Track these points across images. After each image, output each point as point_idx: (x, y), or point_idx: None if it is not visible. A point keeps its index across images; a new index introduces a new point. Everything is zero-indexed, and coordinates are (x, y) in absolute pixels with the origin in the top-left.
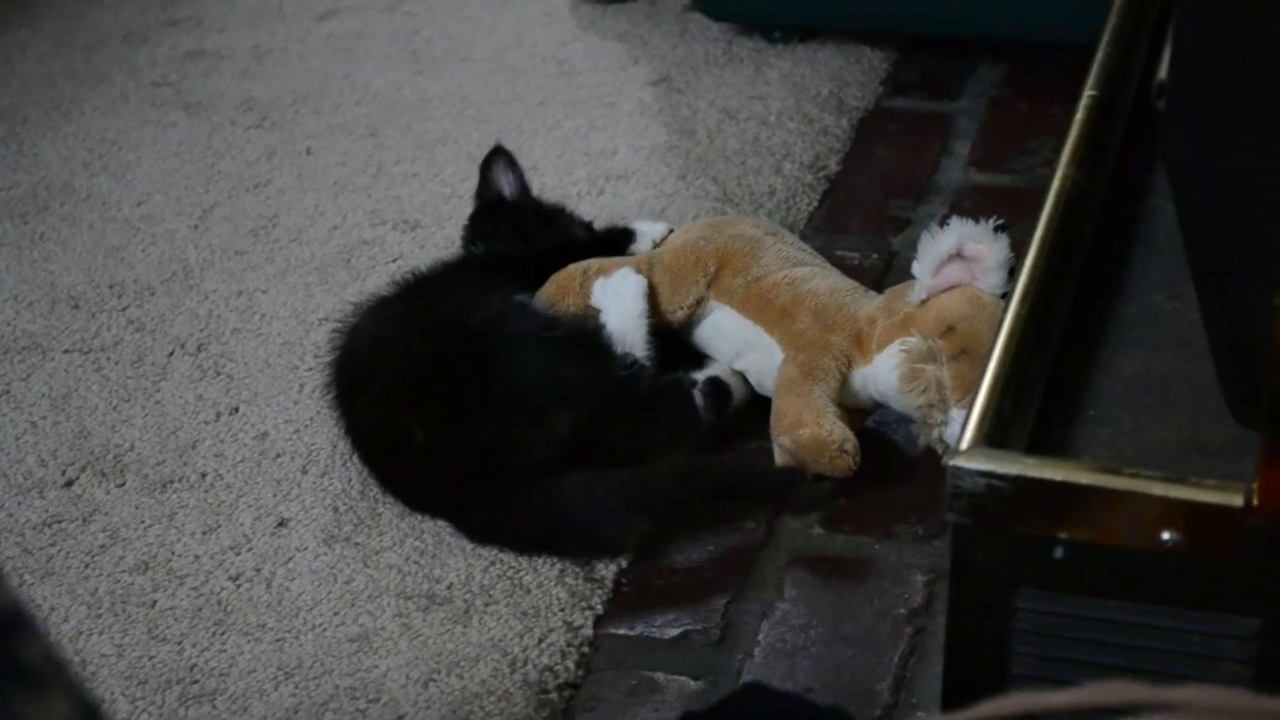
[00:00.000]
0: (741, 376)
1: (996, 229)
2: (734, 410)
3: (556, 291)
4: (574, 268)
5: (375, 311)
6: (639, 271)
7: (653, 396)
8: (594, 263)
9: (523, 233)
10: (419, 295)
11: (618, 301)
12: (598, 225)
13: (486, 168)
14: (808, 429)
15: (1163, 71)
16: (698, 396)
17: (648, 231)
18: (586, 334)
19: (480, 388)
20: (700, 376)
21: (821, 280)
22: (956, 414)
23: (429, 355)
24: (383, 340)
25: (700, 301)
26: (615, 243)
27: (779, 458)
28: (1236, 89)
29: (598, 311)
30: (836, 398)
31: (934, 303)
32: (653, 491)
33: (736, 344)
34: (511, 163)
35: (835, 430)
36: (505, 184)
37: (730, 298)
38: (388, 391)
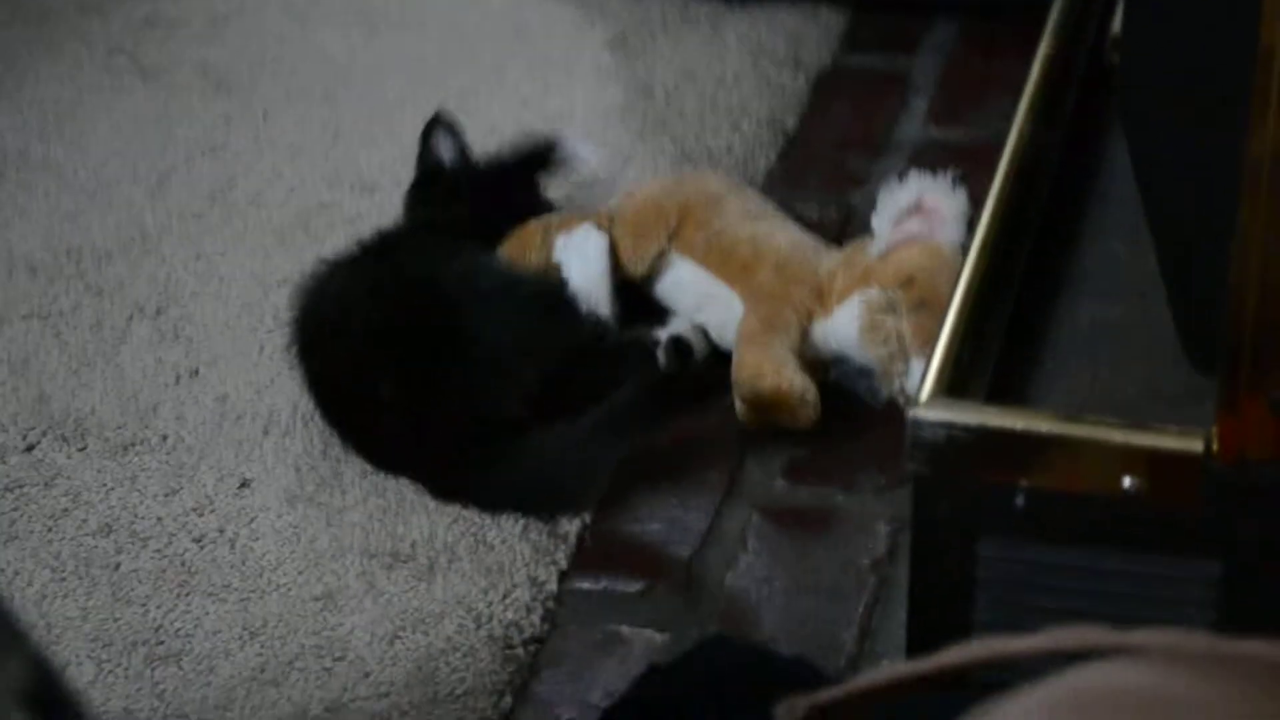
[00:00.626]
0: (703, 333)
1: (954, 182)
2: (696, 366)
3: (517, 248)
4: (534, 224)
5: (339, 270)
6: (600, 227)
7: (615, 356)
8: (554, 218)
9: (459, 202)
10: (384, 254)
11: (580, 259)
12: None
13: (426, 136)
14: (768, 379)
15: (1116, 26)
16: (660, 355)
17: (585, 152)
18: (551, 291)
19: (448, 344)
20: (663, 335)
21: (783, 235)
22: (917, 365)
23: (396, 311)
24: (348, 297)
25: (662, 255)
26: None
27: (739, 409)
28: (1190, 42)
29: (559, 268)
30: (797, 349)
31: (893, 255)
32: (614, 431)
33: (698, 297)
34: (452, 130)
35: (796, 380)
36: (445, 152)
37: (692, 251)
38: (353, 347)
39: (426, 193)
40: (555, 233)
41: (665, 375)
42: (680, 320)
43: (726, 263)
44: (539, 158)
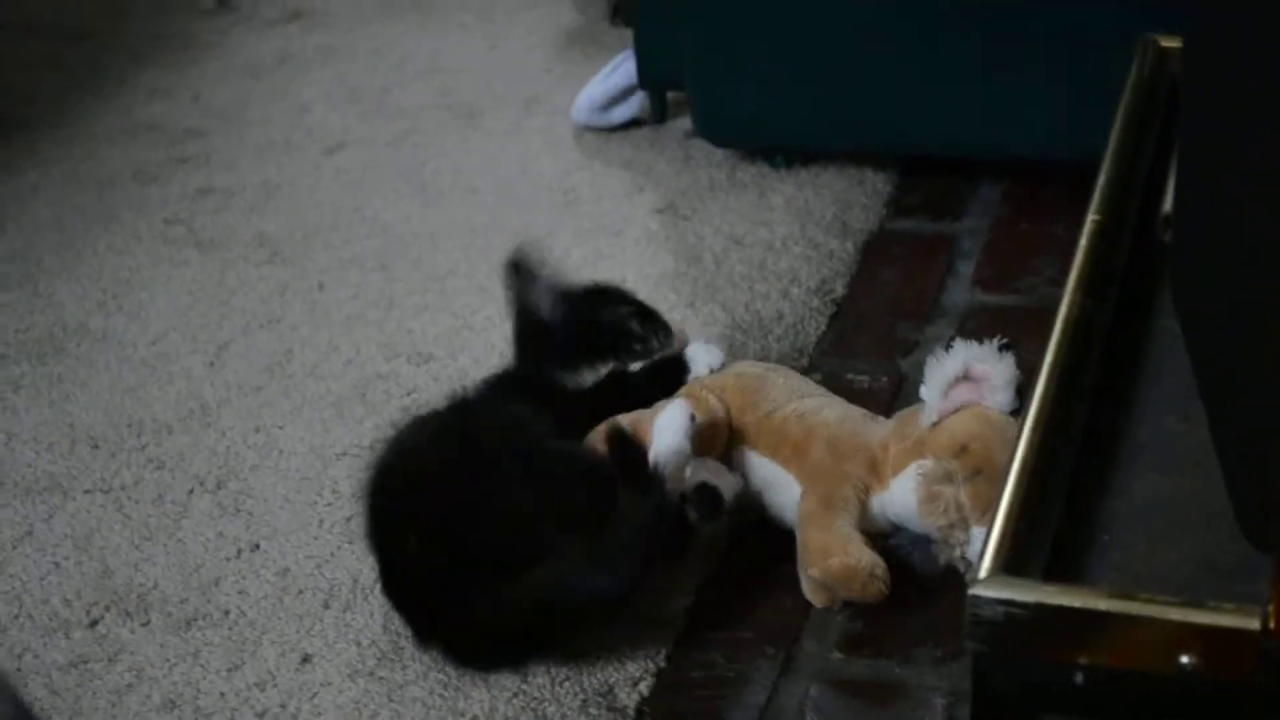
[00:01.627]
0: (729, 471)
1: (1001, 349)
2: (733, 508)
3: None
4: (602, 428)
5: (413, 427)
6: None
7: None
8: (625, 419)
9: (569, 357)
10: (457, 414)
11: (665, 431)
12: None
13: (518, 281)
14: (837, 558)
15: (1168, 204)
16: (690, 510)
17: (702, 357)
18: (591, 463)
19: (478, 502)
20: (687, 486)
21: (830, 410)
22: (977, 532)
23: (433, 466)
24: (398, 455)
25: (729, 440)
26: (667, 374)
27: (808, 589)
28: (1242, 221)
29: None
30: (858, 525)
31: (945, 424)
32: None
33: (755, 482)
34: (532, 274)
35: (865, 557)
36: (538, 300)
37: (743, 436)
38: (395, 499)
39: (530, 345)
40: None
41: (654, 518)
42: (702, 467)
43: (779, 445)
44: (665, 374)
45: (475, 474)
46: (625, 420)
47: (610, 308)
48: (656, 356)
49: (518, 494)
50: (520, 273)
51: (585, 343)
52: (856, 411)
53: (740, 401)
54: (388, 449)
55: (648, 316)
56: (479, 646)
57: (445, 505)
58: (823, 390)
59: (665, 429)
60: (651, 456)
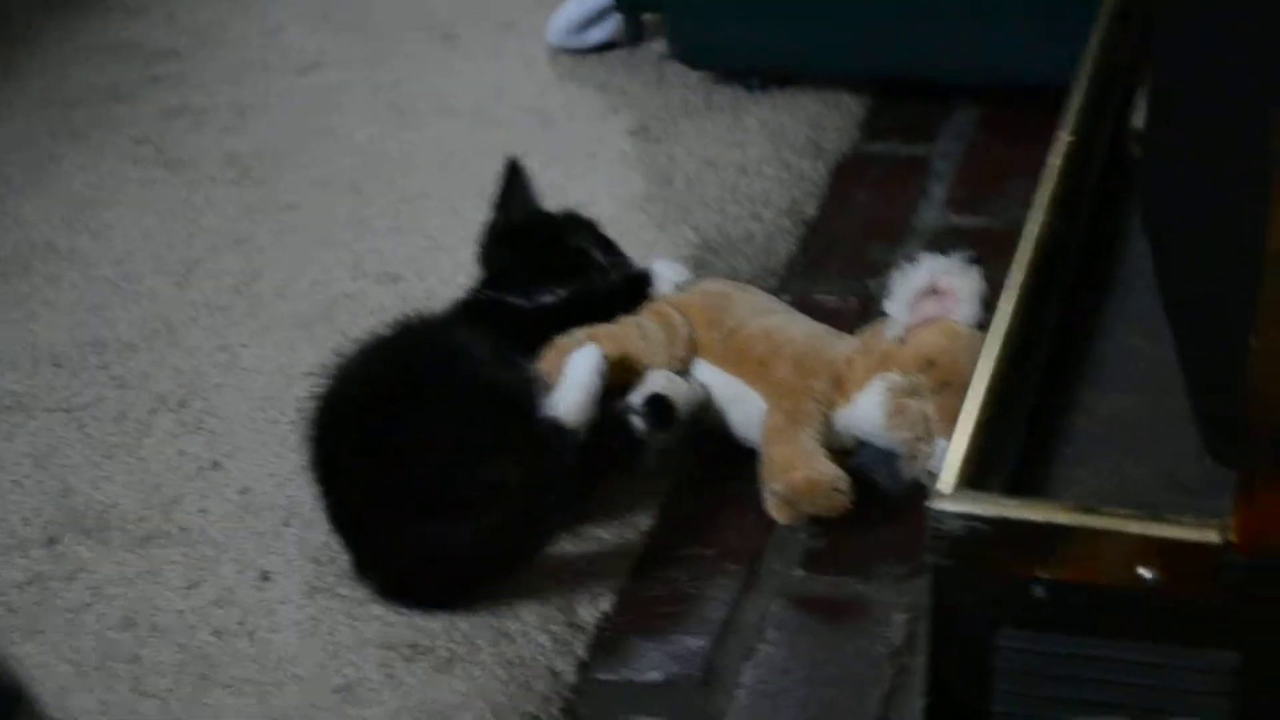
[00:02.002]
0: (689, 382)
1: (967, 262)
2: (689, 418)
3: (550, 363)
4: (564, 340)
5: (360, 353)
6: (628, 329)
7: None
8: (581, 334)
9: (540, 260)
10: (399, 341)
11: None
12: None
13: (508, 181)
14: (800, 472)
15: (1139, 119)
16: (635, 420)
17: (666, 273)
18: (520, 392)
19: (414, 433)
20: (637, 398)
21: (795, 326)
22: (943, 445)
23: (375, 398)
24: (351, 381)
25: (691, 355)
26: (633, 288)
27: (771, 505)
28: (1211, 136)
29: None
30: (822, 441)
31: (911, 339)
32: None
33: (720, 398)
34: (525, 181)
35: (828, 470)
36: (521, 202)
37: (708, 352)
38: (336, 429)
39: (499, 240)
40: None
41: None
42: (658, 379)
43: (744, 361)
44: (630, 289)
45: (412, 404)
46: (582, 334)
47: (579, 234)
48: (619, 277)
49: (453, 425)
50: (513, 176)
51: (546, 262)
52: (821, 328)
53: (705, 318)
54: (331, 376)
55: (612, 250)
56: (405, 590)
57: (382, 437)
58: (787, 307)
59: (571, 374)
60: (553, 398)
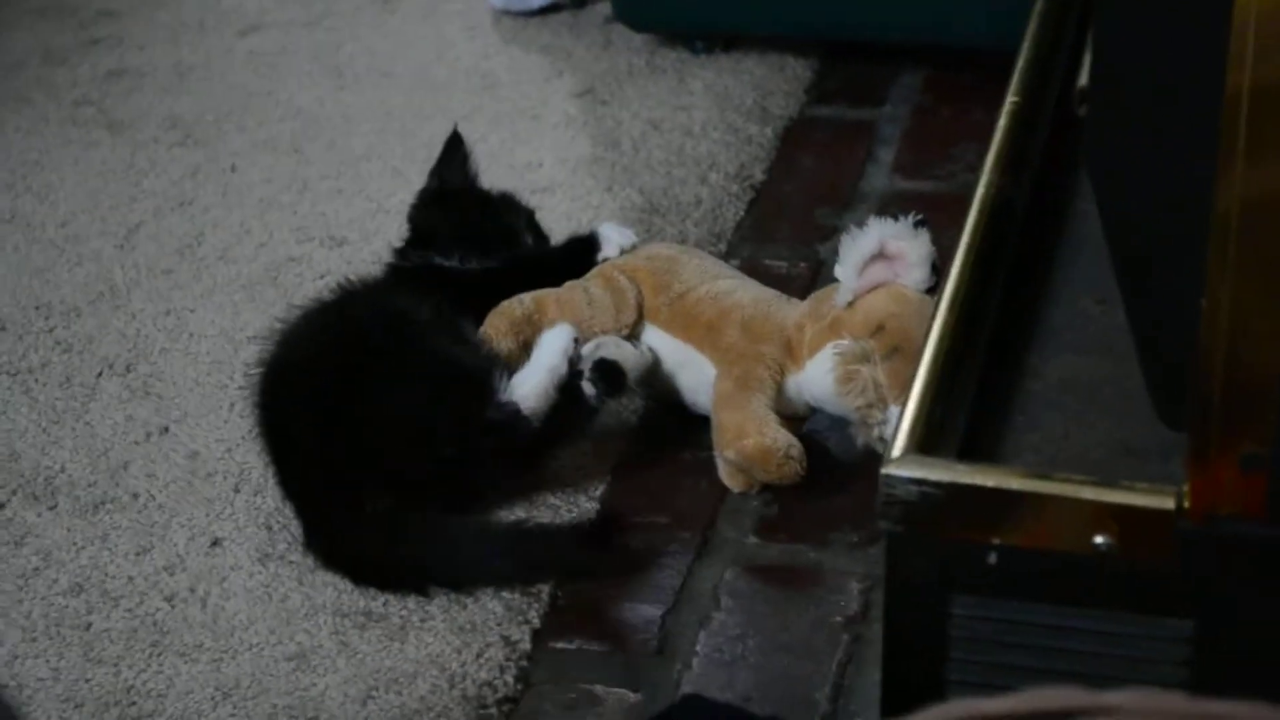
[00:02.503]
0: (635, 345)
1: (916, 225)
2: (637, 383)
3: (496, 329)
4: (511, 302)
5: (305, 319)
6: (574, 294)
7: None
8: (528, 296)
9: (473, 231)
10: (340, 307)
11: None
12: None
13: (447, 151)
14: (752, 439)
15: (1084, 78)
16: (586, 386)
17: (614, 237)
18: (479, 371)
19: (367, 403)
20: (587, 364)
21: (744, 291)
22: (895, 411)
23: (329, 365)
24: (298, 347)
25: (639, 320)
26: (579, 253)
27: (724, 473)
28: (1156, 94)
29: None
30: (774, 407)
31: (861, 304)
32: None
33: (668, 363)
34: (466, 153)
35: (780, 437)
36: (459, 170)
37: (655, 316)
38: (281, 399)
39: (436, 213)
40: (531, 311)
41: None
42: (606, 342)
43: (691, 326)
44: (577, 253)
45: (365, 376)
46: (528, 298)
47: (511, 214)
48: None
49: (410, 404)
50: (454, 146)
51: (475, 231)
52: (770, 293)
53: (652, 282)
54: (276, 343)
55: (540, 237)
56: (356, 567)
57: (335, 409)
58: (736, 272)
59: (540, 355)
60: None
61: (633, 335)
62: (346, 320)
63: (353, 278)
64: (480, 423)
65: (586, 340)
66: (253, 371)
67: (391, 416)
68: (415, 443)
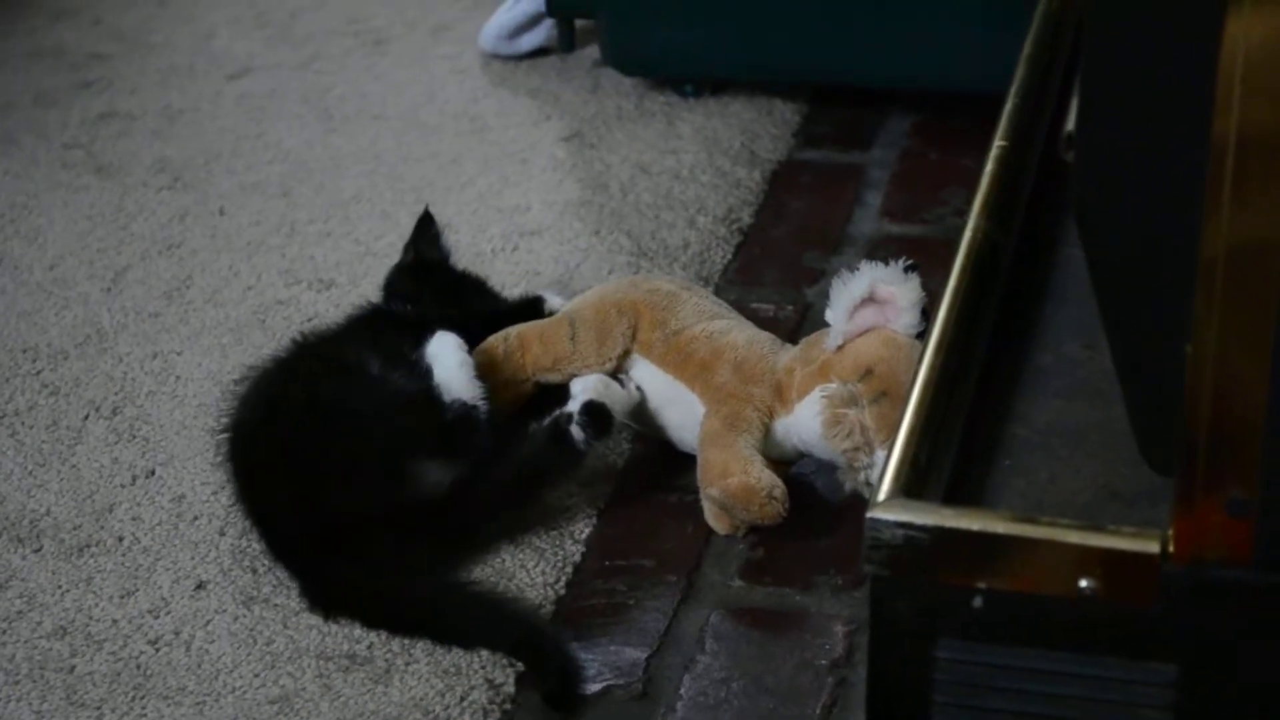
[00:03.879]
0: (619, 383)
1: (907, 270)
2: (622, 418)
3: (486, 364)
4: (495, 339)
5: (263, 376)
6: (558, 329)
7: (529, 440)
8: (513, 332)
9: (446, 298)
10: (294, 361)
11: (440, 358)
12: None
13: (420, 228)
14: (735, 478)
15: (1071, 123)
16: (575, 430)
17: (556, 303)
18: (413, 387)
19: (324, 448)
20: (574, 406)
21: (739, 333)
22: (881, 456)
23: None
24: (257, 405)
25: (626, 354)
26: (526, 313)
27: (709, 515)
28: (1143, 139)
29: (529, 379)
30: (761, 448)
31: (850, 347)
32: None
33: (657, 399)
34: (437, 231)
35: (764, 477)
36: (431, 247)
37: (649, 351)
38: (257, 454)
39: (411, 283)
40: (514, 344)
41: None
42: (589, 384)
43: (685, 363)
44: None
45: (322, 426)
46: (512, 334)
47: (479, 300)
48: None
49: (367, 437)
50: (426, 226)
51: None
52: (765, 336)
53: (650, 317)
54: (237, 407)
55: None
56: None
57: (302, 456)
58: (733, 312)
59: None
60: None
61: (619, 369)
62: (299, 374)
63: (305, 331)
64: (440, 427)
65: (566, 376)
66: (219, 435)
67: (356, 455)
68: (386, 471)
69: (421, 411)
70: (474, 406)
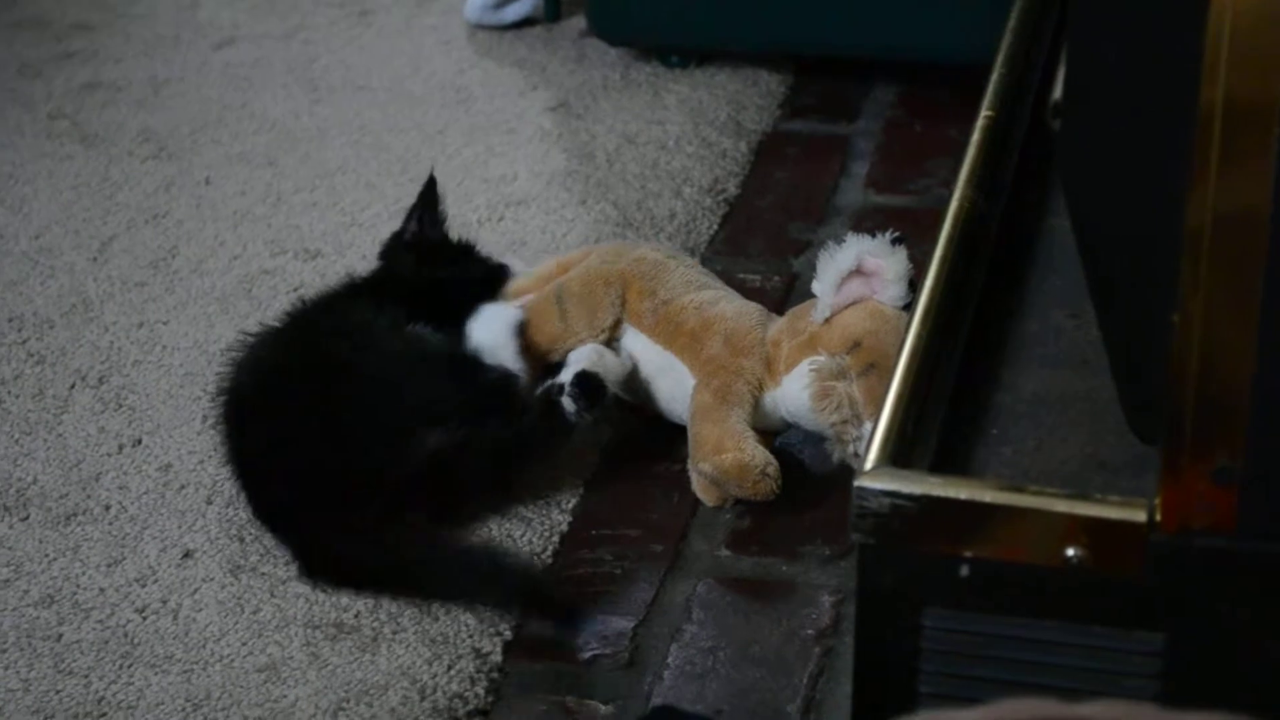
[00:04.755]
0: (614, 353)
1: (894, 242)
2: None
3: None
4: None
5: (263, 342)
6: (547, 311)
7: (520, 413)
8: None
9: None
10: (304, 325)
11: (486, 327)
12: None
13: (423, 199)
14: (729, 454)
15: (1057, 91)
16: (566, 401)
17: (519, 266)
18: (452, 351)
19: (347, 410)
20: (566, 376)
21: (727, 304)
22: (869, 428)
23: (302, 382)
24: (262, 370)
25: (618, 323)
26: (489, 281)
27: (698, 486)
28: (1130, 108)
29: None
30: (751, 422)
31: (838, 320)
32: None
33: (648, 368)
34: (438, 204)
35: (757, 454)
36: (430, 221)
37: (639, 321)
38: (262, 418)
39: (404, 250)
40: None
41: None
42: (584, 354)
43: (675, 334)
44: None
45: (327, 382)
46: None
47: (470, 266)
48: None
49: (374, 391)
50: (429, 194)
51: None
52: (753, 307)
53: (639, 286)
54: (235, 371)
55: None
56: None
57: (304, 422)
58: (720, 283)
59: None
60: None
61: (610, 339)
62: (305, 336)
63: (304, 296)
64: (485, 387)
65: (562, 354)
66: (216, 400)
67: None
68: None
69: (470, 368)
70: (514, 376)
